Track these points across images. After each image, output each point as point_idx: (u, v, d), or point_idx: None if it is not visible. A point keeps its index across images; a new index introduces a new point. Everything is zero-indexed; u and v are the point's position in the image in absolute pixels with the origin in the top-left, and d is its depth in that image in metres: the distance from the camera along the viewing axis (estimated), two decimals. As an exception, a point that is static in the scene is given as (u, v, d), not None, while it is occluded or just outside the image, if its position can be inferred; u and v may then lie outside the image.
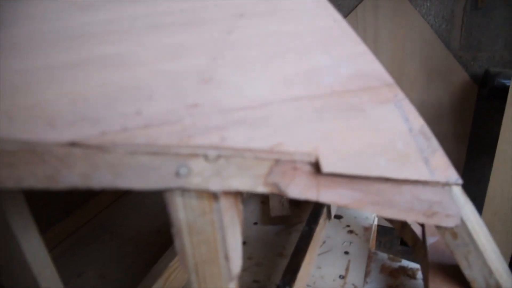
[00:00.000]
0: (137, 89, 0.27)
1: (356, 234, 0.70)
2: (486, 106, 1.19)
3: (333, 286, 0.59)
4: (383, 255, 0.67)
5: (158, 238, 0.69)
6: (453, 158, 1.14)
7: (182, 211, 0.25)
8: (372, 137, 0.35)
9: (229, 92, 0.30)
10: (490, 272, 0.43)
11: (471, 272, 0.44)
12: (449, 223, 0.39)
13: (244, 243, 0.69)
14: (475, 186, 1.23)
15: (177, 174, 0.23)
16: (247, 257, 0.66)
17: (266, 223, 0.74)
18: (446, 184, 0.37)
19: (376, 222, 0.73)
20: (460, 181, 0.39)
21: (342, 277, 0.61)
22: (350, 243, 0.68)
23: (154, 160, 0.23)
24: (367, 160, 0.34)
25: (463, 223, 0.40)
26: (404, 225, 0.60)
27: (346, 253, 0.66)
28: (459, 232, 0.41)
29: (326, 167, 0.30)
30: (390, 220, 0.64)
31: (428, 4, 1.22)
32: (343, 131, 0.34)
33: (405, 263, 0.64)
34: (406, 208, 0.36)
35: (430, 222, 0.38)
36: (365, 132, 0.35)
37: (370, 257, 0.66)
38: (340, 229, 0.71)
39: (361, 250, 0.66)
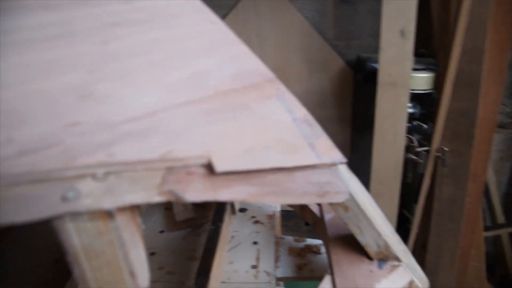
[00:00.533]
0: (6, 114, 0.25)
1: (262, 223, 0.73)
2: (362, 88, 1.33)
3: (247, 278, 0.61)
4: (289, 238, 0.71)
5: (56, 271, 0.64)
6: (339, 139, 1.23)
7: (75, 236, 0.24)
8: (261, 132, 0.37)
9: (113, 105, 0.30)
10: (379, 235, 0.49)
11: (364, 238, 0.49)
12: (340, 198, 0.43)
13: (152, 254, 0.68)
14: (363, 162, 1.36)
15: (64, 199, 0.22)
16: (158, 267, 0.65)
17: (172, 229, 0.73)
18: (333, 165, 0.41)
19: (279, 209, 0.77)
20: (344, 160, 0.42)
21: (254, 266, 0.63)
22: (257, 233, 0.71)
23: (36, 188, 0.22)
24: (258, 155, 0.35)
25: (351, 197, 0.44)
26: (303, 207, 0.64)
27: (255, 243, 0.68)
28: (349, 205, 0.45)
29: (219, 167, 0.31)
30: (291, 205, 0.68)
31: (303, 0, 1.31)
32: (233, 130, 0.35)
33: (310, 241, 0.69)
34: (301, 193, 0.39)
35: (323, 201, 0.41)
36: (254, 128, 0.37)
37: (277, 243, 0.69)
38: (246, 222, 0.74)
39: (268, 238, 0.69)
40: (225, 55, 0.40)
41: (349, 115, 1.39)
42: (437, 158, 1.14)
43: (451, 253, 1.24)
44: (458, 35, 1.02)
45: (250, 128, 0.37)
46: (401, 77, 1.04)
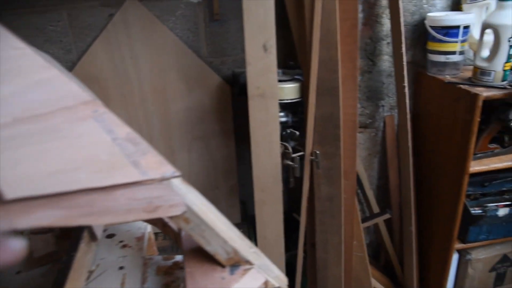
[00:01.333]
0: None
1: (130, 247, 0.71)
2: (240, 102, 1.37)
3: (110, 306, 0.59)
4: (159, 258, 0.70)
5: None
6: (225, 152, 1.25)
7: None
8: (72, 154, 0.36)
9: None
10: (225, 241, 0.50)
11: (211, 247, 0.51)
12: (176, 211, 0.44)
13: (7, 300, 0.62)
14: (249, 171, 1.40)
15: None
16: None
17: (30, 267, 0.68)
18: (164, 179, 0.41)
19: (149, 230, 0.76)
20: (177, 173, 0.43)
21: (119, 293, 0.61)
22: (124, 257, 0.68)
23: None
24: (67, 177, 0.34)
25: (189, 208, 0.45)
26: (165, 224, 0.64)
27: (121, 268, 0.66)
28: (189, 217, 0.46)
29: (8, 194, 0.30)
30: (152, 222, 0.68)
31: (174, 19, 1.32)
32: (36, 155, 0.34)
33: (178, 258, 0.69)
34: (125, 210, 0.38)
35: (155, 216, 0.41)
36: (62, 151, 0.36)
37: (145, 264, 0.68)
38: (113, 247, 0.71)
39: (136, 260, 0.68)
40: (30, 81, 0.39)
41: (231, 128, 1.43)
42: (311, 161, 1.23)
43: (336, 247, 1.33)
44: (314, 47, 1.11)
45: (57, 150, 0.36)
46: (268, 89, 1.10)
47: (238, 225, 1.56)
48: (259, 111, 1.13)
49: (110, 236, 0.75)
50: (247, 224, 1.55)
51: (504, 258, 1.56)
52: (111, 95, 1.34)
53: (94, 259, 0.70)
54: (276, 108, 1.12)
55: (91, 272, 0.67)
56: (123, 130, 0.42)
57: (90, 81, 1.31)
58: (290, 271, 1.47)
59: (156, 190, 0.41)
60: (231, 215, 1.56)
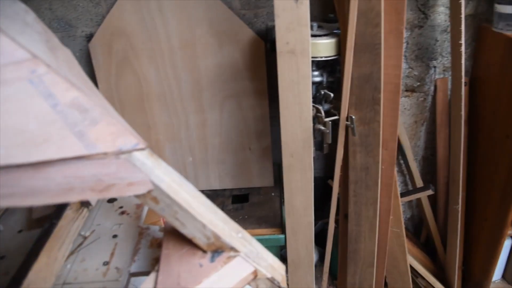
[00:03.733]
0: None
1: (128, 214, 0.67)
2: (274, 59, 1.26)
3: (95, 276, 0.55)
4: (155, 228, 0.65)
5: None
6: (258, 113, 1.18)
7: None
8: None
9: None
10: (204, 225, 0.43)
11: (187, 230, 0.44)
12: (138, 190, 0.37)
13: (2, 258, 0.61)
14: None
15: None
16: (4, 272, 0.58)
17: (30, 228, 0.66)
18: (120, 153, 0.34)
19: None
20: (140, 145, 0.36)
21: (106, 263, 0.57)
22: (120, 225, 0.64)
23: None
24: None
25: (156, 187, 0.38)
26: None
27: (115, 236, 0.62)
28: (157, 196, 0.39)
29: None
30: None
31: (203, -33, 1.21)
32: None
33: (173, 231, 0.63)
34: (63, 190, 0.32)
35: (108, 195, 0.35)
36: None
37: (141, 234, 0.63)
38: (112, 213, 0.67)
39: (131, 230, 0.63)
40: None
41: (264, 87, 1.33)
42: (347, 126, 1.11)
43: (370, 220, 1.23)
44: (354, -4, 0.96)
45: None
46: (299, 45, 0.98)
47: (271, 189, 1.50)
48: (289, 70, 1.02)
49: (111, 201, 0.71)
50: (280, 188, 1.49)
51: None
52: (139, 49, 1.28)
53: (91, 224, 0.67)
54: (308, 66, 1.01)
55: (85, 238, 0.64)
56: (69, 94, 0.35)
57: (118, 35, 1.26)
58: (323, 240, 1.41)
59: (108, 166, 0.34)
60: (264, 177, 1.50)
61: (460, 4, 1.01)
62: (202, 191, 1.53)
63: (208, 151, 1.44)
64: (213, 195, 1.50)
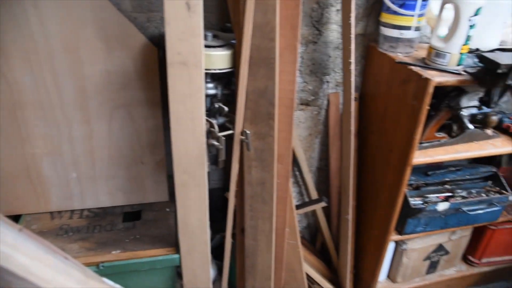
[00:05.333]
0: None
1: None
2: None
3: None
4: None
5: None
6: (152, 124, 1.07)
7: None
8: None
9: None
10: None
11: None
12: None
13: None
14: (176, 148, 1.24)
15: None
16: None
17: None
18: None
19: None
20: None
21: None
22: None
23: None
24: None
25: None
26: None
27: None
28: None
29: None
30: None
31: (88, -38, 1.09)
32: None
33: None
34: None
35: None
36: None
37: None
38: None
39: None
40: None
41: (158, 97, 1.24)
42: (242, 141, 1.08)
43: (266, 234, 1.22)
44: (248, 7, 0.93)
45: None
46: (192, 56, 0.93)
47: (165, 204, 1.41)
48: (181, 82, 0.95)
49: None
50: (175, 203, 1.41)
51: (439, 248, 1.53)
52: (10, 51, 1.10)
53: None
54: (201, 79, 0.95)
55: None
56: None
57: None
58: (222, 254, 1.36)
59: None
60: (158, 192, 1.41)
61: (349, 24, 1.05)
62: (89, 210, 1.39)
63: (95, 166, 1.31)
64: (102, 213, 1.37)
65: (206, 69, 0.99)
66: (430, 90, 0.99)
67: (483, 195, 1.38)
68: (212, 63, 1.02)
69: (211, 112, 1.10)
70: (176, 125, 0.99)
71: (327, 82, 1.31)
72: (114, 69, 1.19)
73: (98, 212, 1.37)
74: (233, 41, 1.08)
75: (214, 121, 1.05)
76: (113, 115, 1.24)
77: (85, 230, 1.28)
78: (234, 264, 1.40)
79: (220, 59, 1.02)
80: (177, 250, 1.23)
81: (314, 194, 1.46)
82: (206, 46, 1.02)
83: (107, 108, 1.23)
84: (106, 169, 1.31)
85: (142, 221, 1.34)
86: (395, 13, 1.06)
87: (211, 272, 1.34)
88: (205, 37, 1.05)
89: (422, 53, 1.12)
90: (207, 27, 1.26)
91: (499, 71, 0.93)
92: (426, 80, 0.99)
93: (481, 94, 1.17)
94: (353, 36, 1.05)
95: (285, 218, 1.23)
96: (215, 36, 1.09)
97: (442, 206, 1.23)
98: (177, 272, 1.44)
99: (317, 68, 1.27)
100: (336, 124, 1.35)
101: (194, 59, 0.93)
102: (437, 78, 0.99)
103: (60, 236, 1.24)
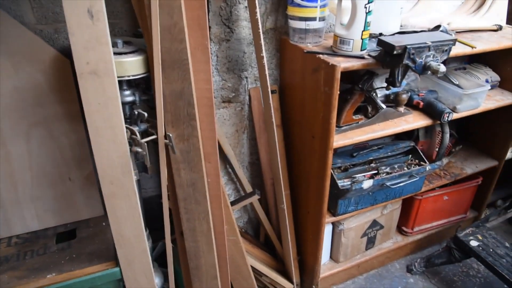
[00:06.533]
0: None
1: None
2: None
3: None
4: None
5: None
6: (74, 138, 1.03)
7: None
8: None
9: None
10: None
11: None
12: None
13: None
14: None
15: None
16: None
17: None
18: None
19: None
20: None
21: None
22: None
23: None
24: None
25: None
26: None
27: None
28: None
29: None
30: None
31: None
32: None
33: None
34: None
35: None
36: None
37: None
38: None
39: None
40: None
41: (77, 109, 1.21)
42: (166, 145, 1.08)
43: (205, 234, 1.23)
44: (153, 11, 0.94)
45: None
46: (102, 64, 0.91)
47: (101, 218, 1.37)
48: (94, 92, 0.94)
49: None
50: (113, 216, 1.37)
51: (374, 223, 1.62)
52: None
53: None
54: (115, 87, 0.94)
55: None
56: None
57: None
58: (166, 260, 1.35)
59: None
60: (91, 207, 1.36)
61: (257, 20, 1.08)
62: (18, 236, 1.32)
63: (18, 189, 1.24)
64: (33, 238, 1.30)
65: (119, 77, 0.97)
66: (338, 75, 1.05)
67: (405, 169, 1.48)
68: (125, 69, 1.01)
69: (131, 119, 1.09)
70: (96, 137, 0.97)
71: (246, 77, 1.34)
72: (24, 85, 1.14)
73: (28, 237, 1.30)
74: (143, 47, 1.07)
75: (135, 128, 1.04)
76: (31, 133, 1.19)
77: (15, 258, 1.21)
78: (180, 268, 1.40)
79: (132, 65, 1.01)
80: (117, 263, 1.21)
81: (249, 189, 1.48)
82: (117, 53, 1.00)
83: (23, 127, 1.18)
84: (30, 191, 1.26)
85: (78, 239, 1.29)
86: (299, 5, 1.11)
87: (157, 280, 1.32)
88: (115, 44, 1.03)
89: (330, 42, 1.19)
90: (119, 34, 1.25)
91: (395, 52, 1.01)
92: (333, 67, 1.05)
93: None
94: (261, 31, 1.09)
95: (221, 216, 1.24)
96: (126, 43, 1.07)
97: (367, 184, 1.30)
98: (123, 286, 1.41)
99: (234, 65, 1.30)
100: (260, 118, 1.38)
101: (105, 68, 0.92)
102: (343, 64, 1.05)
103: (-14, 268, 1.17)
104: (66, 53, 1.15)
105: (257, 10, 1.06)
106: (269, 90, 1.16)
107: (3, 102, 1.13)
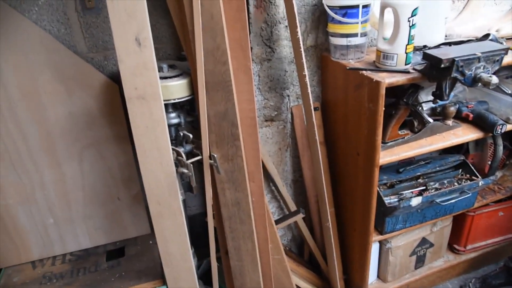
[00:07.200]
0: None
1: None
2: (131, 102, 1.20)
3: None
4: None
5: None
6: (123, 159, 1.08)
7: None
8: None
9: None
10: None
11: None
12: None
13: None
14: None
15: None
16: None
17: None
18: None
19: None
20: None
21: None
22: None
23: None
24: None
25: None
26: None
27: None
28: None
29: None
30: None
31: (37, 9, 1.11)
32: None
33: None
34: None
35: None
36: None
37: None
38: None
39: None
40: None
41: (125, 132, 1.26)
42: (211, 165, 1.09)
43: (250, 253, 1.23)
44: (197, 35, 0.96)
45: None
46: (149, 89, 0.95)
47: (148, 236, 1.41)
48: (141, 115, 0.97)
49: None
50: (159, 234, 1.40)
51: (423, 241, 1.55)
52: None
53: None
54: (161, 110, 0.97)
55: None
56: None
57: None
58: (211, 279, 1.36)
59: None
60: (139, 226, 1.40)
61: (298, 39, 1.08)
62: (72, 253, 1.37)
63: (71, 208, 1.30)
64: (85, 255, 1.36)
65: (165, 100, 1.01)
66: (383, 91, 1.03)
67: (455, 184, 1.42)
68: (171, 93, 1.04)
69: (177, 141, 1.12)
70: (143, 158, 1.00)
71: (288, 96, 1.34)
72: (77, 109, 1.20)
73: (80, 255, 1.36)
74: (186, 70, 1.10)
75: (181, 149, 1.06)
76: (83, 155, 1.25)
77: (69, 275, 1.26)
78: (225, 286, 1.40)
79: (178, 88, 1.04)
80: (164, 281, 1.23)
81: (292, 207, 1.47)
82: (163, 78, 1.04)
83: (76, 149, 1.24)
84: (83, 210, 1.31)
85: (127, 257, 1.33)
86: (340, 22, 1.11)
87: (201, 300, 1.34)
88: (161, 69, 1.07)
89: (373, 57, 1.17)
90: (163, 58, 1.29)
91: (442, 65, 0.98)
92: (377, 83, 1.03)
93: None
94: (302, 49, 1.09)
95: (266, 234, 1.23)
96: (171, 67, 1.11)
97: (416, 201, 1.25)
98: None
99: (276, 84, 1.30)
100: (303, 135, 1.38)
101: (152, 92, 0.95)
102: (387, 80, 1.03)
103: (44, 285, 1.22)
104: (114, 78, 1.21)
105: (298, 29, 1.06)
106: (312, 107, 1.16)
107: (59, 126, 1.20)
